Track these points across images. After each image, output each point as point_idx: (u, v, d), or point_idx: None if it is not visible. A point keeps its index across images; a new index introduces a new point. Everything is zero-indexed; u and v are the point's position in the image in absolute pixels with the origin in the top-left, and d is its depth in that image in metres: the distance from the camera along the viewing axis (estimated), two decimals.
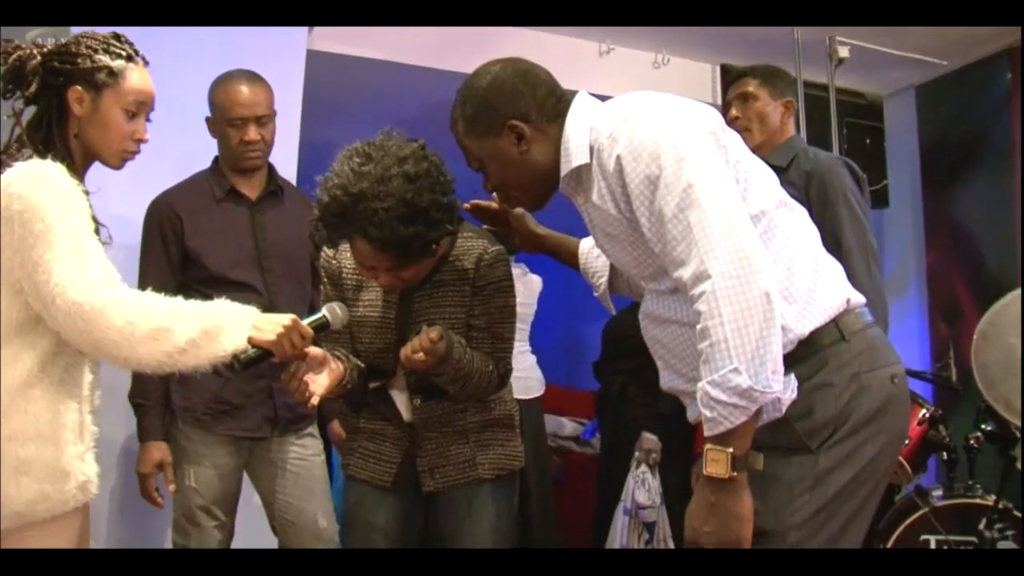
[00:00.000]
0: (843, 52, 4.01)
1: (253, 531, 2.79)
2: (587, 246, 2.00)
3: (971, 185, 4.57)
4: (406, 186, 1.76)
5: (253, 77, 2.56)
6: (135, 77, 1.79)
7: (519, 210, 1.99)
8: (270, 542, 2.70)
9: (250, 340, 1.68)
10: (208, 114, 2.59)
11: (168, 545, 2.59)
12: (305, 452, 2.61)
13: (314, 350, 1.83)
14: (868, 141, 4.64)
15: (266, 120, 2.54)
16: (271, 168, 2.67)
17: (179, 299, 1.66)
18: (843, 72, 4.14)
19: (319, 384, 1.85)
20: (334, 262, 2.09)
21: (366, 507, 2.11)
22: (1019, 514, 3.15)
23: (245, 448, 2.58)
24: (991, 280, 4.33)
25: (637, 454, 3.40)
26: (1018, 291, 2.82)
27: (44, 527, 1.63)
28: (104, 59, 1.75)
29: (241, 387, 2.51)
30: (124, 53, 1.79)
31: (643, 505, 3.32)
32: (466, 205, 2.00)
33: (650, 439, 3.41)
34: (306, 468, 2.60)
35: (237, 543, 2.65)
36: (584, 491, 4.40)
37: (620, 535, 3.33)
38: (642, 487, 3.34)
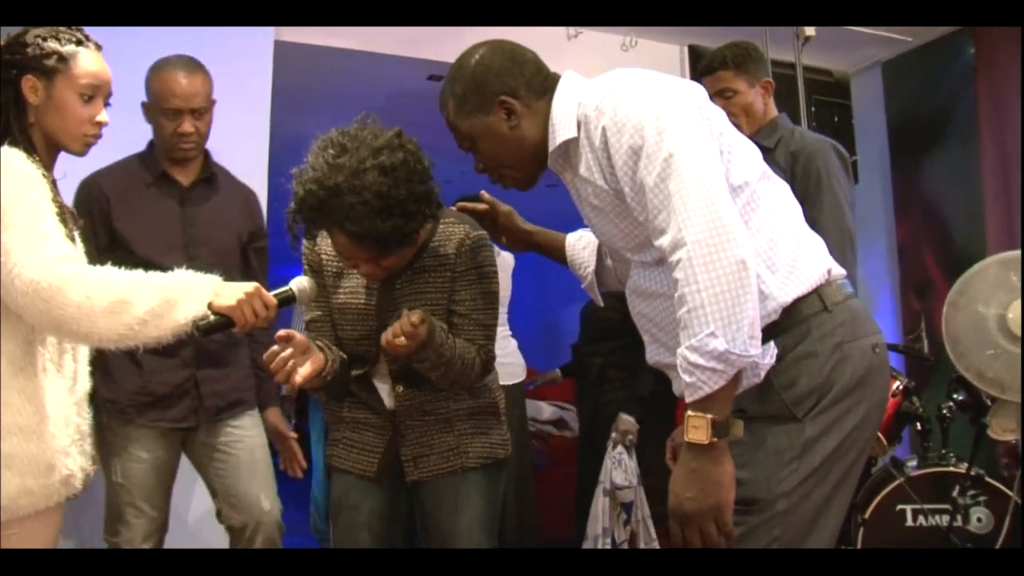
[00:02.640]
0: (810, 30, 4.03)
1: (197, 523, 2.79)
2: (573, 239, 2.02)
3: (938, 159, 4.64)
4: (381, 179, 1.74)
5: (192, 66, 2.47)
6: (86, 60, 1.77)
7: (505, 208, 2.01)
8: (212, 534, 2.67)
9: (210, 306, 1.66)
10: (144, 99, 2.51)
11: (101, 544, 2.55)
12: (242, 433, 2.58)
13: (298, 337, 1.82)
14: (836, 118, 4.69)
15: (202, 112, 2.48)
16: (207, 153, 2.62)
17: (139, 272, 1.64)
18: (810, 50, 4.17)
19: (302, 370, 1.83)
20: (314, 250, 2.07)
21: (350, 498, 2.09)
22: (991, 480, 3.21)
23: (175, 440, 2.54)
24: (959, 251, 4.40)
25: (614, 435, 3.41)
26: (986, 261, 2.86)
27: (26, 523, 1.62)
28: (53, 45, 1.74)
29: (165, 378, 2.48)
30: (73, 39, 1.77)
31: (620, 486, 3.33)
32: (453, 207, 2.00)
33: (627, 420, 3.42)
34: (245, 449, 2.56)
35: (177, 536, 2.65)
36: (564, 475, 4.41)
37: (601, 516, 3.34)
38: (619, 467, 3.35)
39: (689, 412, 1.43)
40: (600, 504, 3.35)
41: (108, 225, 2.45)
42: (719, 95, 2.70)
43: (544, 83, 1.68)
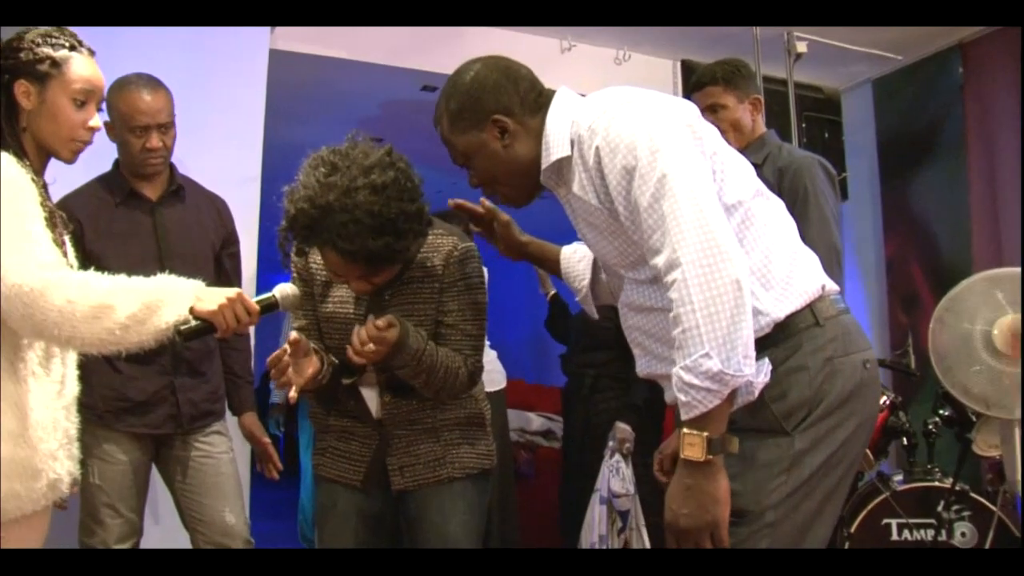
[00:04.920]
0: (801, 47, 4.07)
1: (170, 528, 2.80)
2: (568, 251, 2.03)
3: (927, 175, 4.67)
4: (372, 198, 1.76)
5: (153, 83, 2.51)
6: (79, 65, 1.78)
7: (504, 217, 2.02)
8: (185, 542, 2.67)
9: (192, 311, 1.67)
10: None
11: (75, 546, 2.54)
12: (212, 450, 2.62)
13: (301, 339, 1.85)
14: (827, 135, 4.72)
15: (168, 127, 2.52)
16: (172, 167, 2.66)
17: (121, 276, 1.65)
18: (801, 67, 4.21)
19: (300, 375, 1.86)
20: (304, 261, 2.08)
21: (337, 506, 2.10)
22: (975, 495, 3.24)
23: (150, 445, 2.57)
24: (947, 267, 4.43)
25: (611, 443, 3.43)
26: (973, 278, 2.87)
27: (12, 527, 1.62)
28: (46, 51, 1.74)
29: (143, 385, 2.51)
30: (67, 44, 1.78)
31: (618, 494, 3.34)
32: (451, 203, 2.01)
33: (624, 429, 3.45)
34: (212, 465, 2.60)
35: (151, 540, 2.64)
36: (552, 486, 4.42)
37: (596, 524, 3.35)
38: (616, 476, 3.37)
39: (684, 430, 1.44)
40: (596, 512, 3.36)
41: (82, 248, 2.46)
42: (708, 110, 2.70)
43: (538, 100, 1.68)
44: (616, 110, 1.55)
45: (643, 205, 1.48)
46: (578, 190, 1.61)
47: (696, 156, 1.51)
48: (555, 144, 1.63)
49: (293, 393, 1.86)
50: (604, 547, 3.31)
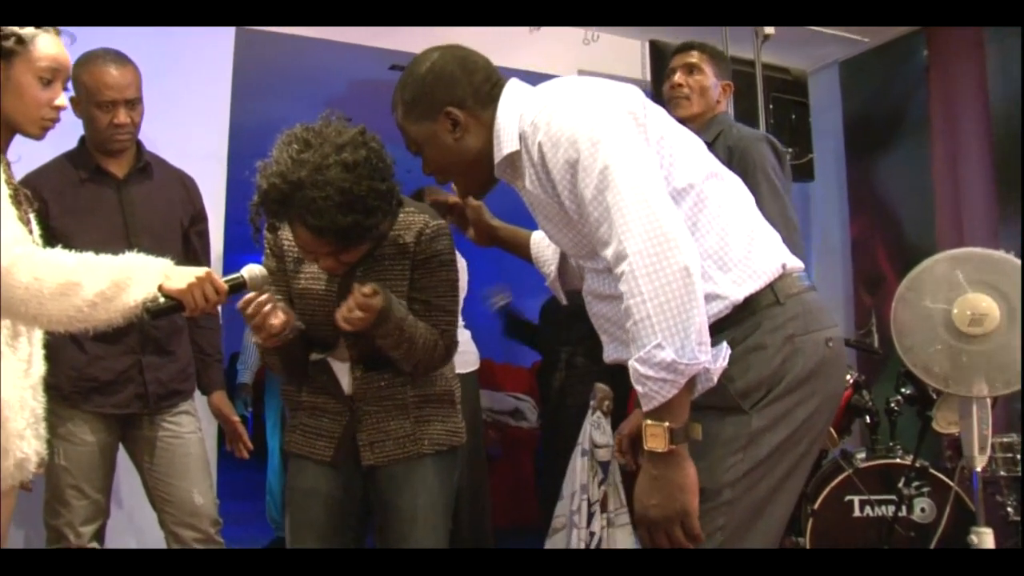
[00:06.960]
0: (769, 29, 4.09)
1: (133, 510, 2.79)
2: (538, 237, 2.03)
3: (892, 157, 4.74)
4: (343, 175, 1.78)
5: (121, 58, 2.48)
6: (45, 44, 1.76)
7: (475, 203, 2.01)
8: (152, 523, 2.67)
9: (161, 289, 1.67)
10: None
11: (39, 525, 2.51)
12: (179, 430, 2.61)
13: (268, 295, 1.86)
14: (794, 116, 4.74)
15: (135, 102, 2.50)
16: (139, 144, 2.63)
17: (89, 254, 1.64)
18: (769, 48, 4.23)
19: (273, 320, 1.87)
20: (277, 237, 2.09)
21: (306, 482, 2.11)
22: (935, 472, 3.30)
23: (116, 425, 2.55)
24: (911, 248, 4.50)
25: (592, 402, 3.48)
26: (935, 257, 2.91)
27: None
28: (11, 27, 1.71)
29: (109, 364, 2.49)
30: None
31: (599, 444, 3.40)
32: (427, 199, 2.02)
33: (603, 388, 3.49)
34: (180, 445, 2.59)
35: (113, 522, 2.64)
36: (519, 465, 4.45)
37: (578, 474, 3.40)
38: (597, 429, 3.43)
39: (647, 421, 1.43)
40: (577, 464, 3.43)
41: (47, 225, 2.40)
42: (685, 68, 2.80)
43: (492, 92, 1.67)
44: (556, 104, 1.54)
45: (587, 198, 1.47)
46: (529, 185, 1.60)
47: (639, 144, 1.50)
48: (505, 139, 1.62)
49: (272, 332, 1.87)
50: (585, 496, 3.37)
